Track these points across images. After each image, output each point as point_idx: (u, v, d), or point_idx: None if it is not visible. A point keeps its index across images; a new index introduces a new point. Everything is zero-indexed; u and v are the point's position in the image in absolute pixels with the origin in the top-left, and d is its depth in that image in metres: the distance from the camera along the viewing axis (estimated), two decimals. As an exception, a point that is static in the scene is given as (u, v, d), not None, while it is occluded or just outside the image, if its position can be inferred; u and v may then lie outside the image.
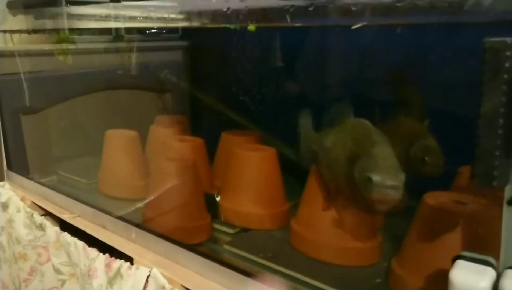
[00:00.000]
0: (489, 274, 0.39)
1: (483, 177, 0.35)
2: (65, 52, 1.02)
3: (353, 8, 0.44)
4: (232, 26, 0.53)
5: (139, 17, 0.76)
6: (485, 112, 0.35)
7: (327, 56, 0.91)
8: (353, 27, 0.49)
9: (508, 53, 0.34)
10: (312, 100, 0.93)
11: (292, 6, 0.52)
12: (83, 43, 1.06)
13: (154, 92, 1.14)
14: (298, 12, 0.49)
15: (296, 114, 0.76)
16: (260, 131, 0.88)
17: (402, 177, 0.48)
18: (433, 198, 0.53)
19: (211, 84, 1.09)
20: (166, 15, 0.72)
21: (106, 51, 1.11)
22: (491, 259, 0.40)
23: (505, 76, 0.34)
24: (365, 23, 0.44)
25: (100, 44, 1.08)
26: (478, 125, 0.35)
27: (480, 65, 0.35)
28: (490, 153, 0.35)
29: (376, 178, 0.48)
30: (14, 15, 0.92)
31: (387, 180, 0.48)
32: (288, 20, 0.49)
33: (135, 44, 1.08)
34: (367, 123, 0.56)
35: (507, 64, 0.34)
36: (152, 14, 0.74)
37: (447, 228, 0.49)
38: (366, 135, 0.54)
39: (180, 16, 0.71)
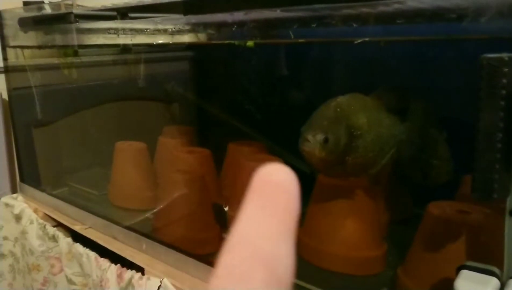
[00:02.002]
0: (493, 284, 0.40)
1: (483, 190, 0.36)
2: (69, 66, 1.05)
3: (354, 25, 0.45)
4: (236, 43, 0.55)
5: (146, 29, 0.78)
6: (483, 127, 0.35)
7: (333, 65, 0.92)
8: (356, 42, 0.50)
9: (505, 70, 0.35)
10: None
11: (295, 22, 0.53)
12: (91, 56, 1.09)
13: (161, 102, 1.16)
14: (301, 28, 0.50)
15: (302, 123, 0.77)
16: (267, 141, 0.89)
17: None
18: (437, 208, 0.54)
19: (217, 94, 1.11)
20: (172, 27, 0.74)
21: (114, 63, 1.13)
22: (495, 269, 0.41)
23: (503, 91, 0.35)
24: (366, 39, 0.46)
25: (108, 56, 1.11)
26: (477, 139, 0.36)
27: (478, 80, 0.36)
28: (490, 167, 0.35)
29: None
30: (25, 32, 0.95)
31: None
32: (292, 36, 0.50)
33: (143, 56, 1.10)
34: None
35: (504, 80, 0.35)
36: (159, 26, 0.76)
37: (451, 237, 0.50)
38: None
39: (186, 28, 0.73)
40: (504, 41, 0.38)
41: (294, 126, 0.98)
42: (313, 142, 0.51)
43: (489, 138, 0.35)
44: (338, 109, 0.54)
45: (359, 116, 0.55)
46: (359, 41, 0.47)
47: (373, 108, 0.58)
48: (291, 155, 0.90)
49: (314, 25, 0.48)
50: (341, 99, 0.56)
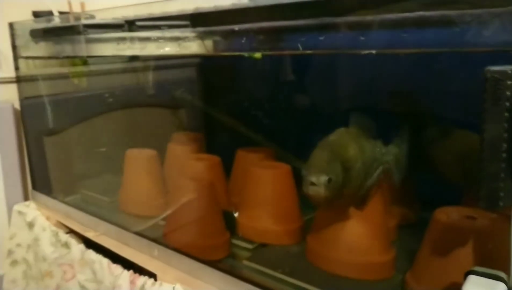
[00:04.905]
0: (501, 289, 0.41)
1: (489, 199, 0.37)
2: (79, 75, 1.07)
3: (362, 38, 0.47)
4: (246, 55, 0.56)
5: (154, 38, 0.79)
6: (488, 138, 0.37)
7: (339, 72, 0.93)
8: (363, 52, 0.51)
9: (509, 82, 0.36)
10: (326, 115, 0.95)
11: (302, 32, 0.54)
12: (100, 64, 1.10)
13: (170, 109, 1.17)
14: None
15: (309, 129, 0.78)
16: (275, 147, 0.90)
17: None
18: (444, 214, 0.55)
19: (225, 101, 1.12)
20: (179, 34, 0.75)
21: (123, 71, 1.15)
22: (502, 274, 0.42)
23: (507, 103, 0.36)
24: (373, 51, 0.47)
25: (116, 64, 1.12)
26: (482, 149, 0.37)
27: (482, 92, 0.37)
28: (495, 176, 0.37)
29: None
30: (36, 43, 0.97)
31: None
32: (300, 48, 0.51)
33: (151, 63, 1.12)
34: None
35: (508, 93, 0.36)
36: (167, 34, 0.77)
37: (458, 243, 0.51)
38: None
39: (193, 35, 0.74)
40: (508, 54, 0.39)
41: (301, 132, 0.99)
42: (318, 184, 0.55)
43: (494, 148, 0.36)
44: (332, 148, 0.58)
45: (348, 150, 0.59)
46: (366, 52, 0.48)
47: (356, 138, 0.62)
48: (298, 161, 0.91)
49: (322, 38, 0.49)
50: (332, 138, 0.61)
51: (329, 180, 0.54)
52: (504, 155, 0.36)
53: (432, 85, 0.77)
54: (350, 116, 0.65)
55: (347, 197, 0.60)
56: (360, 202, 0.63)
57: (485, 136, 0.37)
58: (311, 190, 0.55)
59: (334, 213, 0.64)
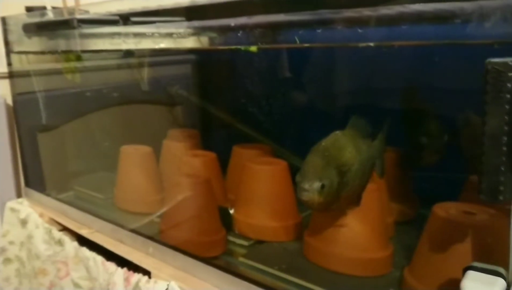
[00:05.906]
0: (500, 284, 0.40)
1: (489, 192, 0.36)
2: (72, 71, 1.05)
3: (359, 30, 0.46)
4: (243, 48, 0.55)
5: (149, 33, 0.78)
6: (489, 130, 0.36)
7: (336, 67, 0.93)
8: (361, 45, 0.50)
9: (510, 74, 0.35)
10: (324, 111, 0.94)
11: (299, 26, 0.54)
12: (94, 60, 1.09)
13: (166, 106, 1.16)
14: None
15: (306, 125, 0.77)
16: (271, 143, 0.90)
17: None
18: (442, 209, 0.54)
19: (221, 97, 1.11)
20: (174, 30, 0.74)
21: (118, 67, 1.14)
22: (501, 270, 0.41)
23: (508, 96, 0.35)
24: (371, 44, 0.46)
25: (111, 60, 1.11)
26: (483, 142, 0.37)
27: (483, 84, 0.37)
28: (496, 169, 0.36)
29: None
30: (29, 38, 0.95)
31: None
32: (298, 41, 0.51)
33: (146, 60, 1.11)
34: None
35: (509, 85, 0.35)
36: (162, 30, 0.76)
37: (457, 239, 0.50)
38: None
39: (188, 31, 0.74)
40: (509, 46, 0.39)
41: (298, 128, 0.98)
42: (311, 191, 0.54)
43: (495, 141, 0.36)
44: (326, 153, 0.57)
45: (344, 154, 0.58)
46: (364, 45, 0.47)
47: (352, 141, 0.61)
48: (294, 157, 0.91)
49: (319, 30, 0.49)
50: (325, 142, 0.59)
51: (323, 186, 0.54)
52: (504, 148, 0.36)
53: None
54: (349, 119, 0.64)
55: (345, 199, 0.59)
56: (357, 199, 0.62)
57: (485, 129, 0.36)
58: (305, 196, 0.55)
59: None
